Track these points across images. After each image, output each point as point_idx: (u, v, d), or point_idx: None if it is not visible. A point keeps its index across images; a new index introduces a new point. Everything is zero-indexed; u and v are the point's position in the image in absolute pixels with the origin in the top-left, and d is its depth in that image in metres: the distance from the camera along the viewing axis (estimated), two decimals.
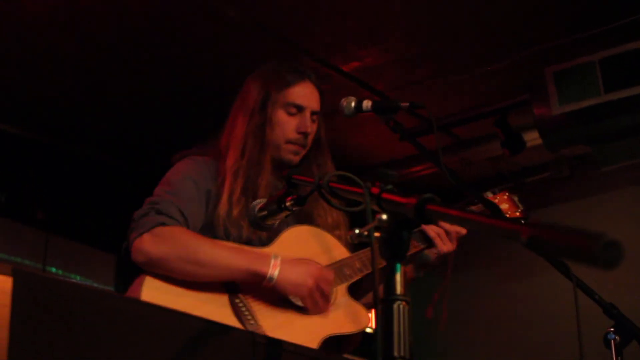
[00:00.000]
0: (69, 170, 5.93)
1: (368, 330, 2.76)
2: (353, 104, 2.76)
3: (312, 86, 2.89)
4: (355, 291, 2.79)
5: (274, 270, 2.49)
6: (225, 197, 2.66)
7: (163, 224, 2.52)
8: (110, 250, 6.22)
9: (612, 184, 5.96)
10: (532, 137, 5.27)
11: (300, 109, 2.83)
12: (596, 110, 4.58)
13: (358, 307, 2.71)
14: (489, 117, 5.51)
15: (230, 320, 2.47)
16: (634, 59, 4.45)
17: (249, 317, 2.49)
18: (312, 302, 2.55)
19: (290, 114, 2.82)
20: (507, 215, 3.20)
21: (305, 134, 2.80)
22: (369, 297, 2.91)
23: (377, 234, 1.48)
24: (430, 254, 2.89)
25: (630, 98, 4.46)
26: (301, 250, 2.69)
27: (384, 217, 1.47)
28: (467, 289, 5.96)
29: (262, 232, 2.64)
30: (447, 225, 2.90)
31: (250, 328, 2.45)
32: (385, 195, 1.49)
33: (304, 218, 2.80)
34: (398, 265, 1.46)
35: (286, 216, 2.06)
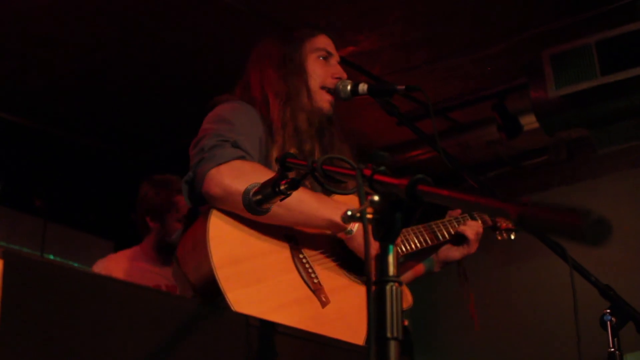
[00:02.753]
0: (66, 158, 5.94)
1: None
2: (349, 87, 2.76)
3: (330, 39, 2.90)
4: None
5: (354, 224, 2.48)
6: (278, 147, 2.58)
7: (242, 158, 2.42)
8: (109, 237, 6.23)
9: (610, 166, 5.96)
10: (530, 121, 5.27)
11: (329, 54, 2.83)
12: (593, 93, 4.58)
13: (403, 286, 2.71)
14: (487, 100, 5.51)
15: (294, 274, 2.45)
16: (631, 41, 4.44)
17: (313, 275, 2.48)
18: None
19: (321, 59, 2.81)
20: (504, 224, 3.33)
21: (340, 80, 2.78)
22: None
23: (369, 216, 1.48)
24: (457, 252, 3.02)
25: (626, 80, 4.45)
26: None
27: (376, 198, 1.47)
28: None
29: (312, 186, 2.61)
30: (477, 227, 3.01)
31: (313, 286, 2.45)
32: (377, 177, 1.49)
33: None
34: (390, 247, 1.45)
35: (281, 199, 2.05)
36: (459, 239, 3.01)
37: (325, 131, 2.84)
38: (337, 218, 2.46)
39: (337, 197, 2.61)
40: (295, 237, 2.53)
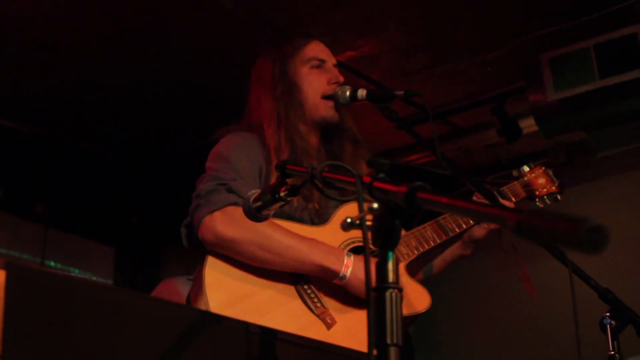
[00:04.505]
0: (67, 164, 5.94)
1: None
2: (348, 93, 2.77)
3: (322, 44, 2.92)
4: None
5: (346, 269, 2.47)
6: (275, 175, 2.57)
7: (236, 204, 2.44)
8: (109, 243, 6.24)
9: (609, 169, 5.96)
10: (529, 124, 5.28)
11: (322, 61, 2.84)
12: (592, 96, 4.59)
13: (418, 286, 2.70)
14: (486, 104, 5.52)
15: (297, 302, 2.46)
16: (629, 44, 4.45)
17: (316, 300, 2.49)
18: None
19: (314, 68, 2.82)
20: (545, 190, 3.23)
21: (338, 84, 2.79)
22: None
23: (369, 223, 1.48)
24: (480, 230, 2.98)
25: (625, 83, 4.46)
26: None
27: (375, 205, 1.48)
28: (463, 276, 5.97)
29: (311, 209, 2.63)
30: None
31: (317, 310, 2.46)
32: (376, 184, 1.49)
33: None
34: (390, 254, 1.46)
35: (281, 206, 2.05)
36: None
37: (334, 141, 2.85)
38: (328, 263, 2.48)
39: (325, 237, 2.60)
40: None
